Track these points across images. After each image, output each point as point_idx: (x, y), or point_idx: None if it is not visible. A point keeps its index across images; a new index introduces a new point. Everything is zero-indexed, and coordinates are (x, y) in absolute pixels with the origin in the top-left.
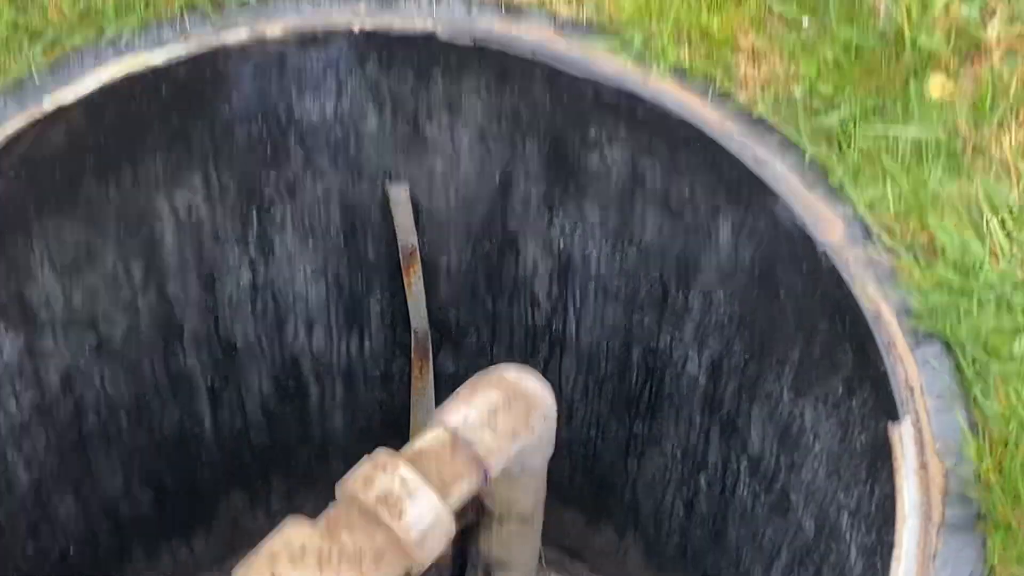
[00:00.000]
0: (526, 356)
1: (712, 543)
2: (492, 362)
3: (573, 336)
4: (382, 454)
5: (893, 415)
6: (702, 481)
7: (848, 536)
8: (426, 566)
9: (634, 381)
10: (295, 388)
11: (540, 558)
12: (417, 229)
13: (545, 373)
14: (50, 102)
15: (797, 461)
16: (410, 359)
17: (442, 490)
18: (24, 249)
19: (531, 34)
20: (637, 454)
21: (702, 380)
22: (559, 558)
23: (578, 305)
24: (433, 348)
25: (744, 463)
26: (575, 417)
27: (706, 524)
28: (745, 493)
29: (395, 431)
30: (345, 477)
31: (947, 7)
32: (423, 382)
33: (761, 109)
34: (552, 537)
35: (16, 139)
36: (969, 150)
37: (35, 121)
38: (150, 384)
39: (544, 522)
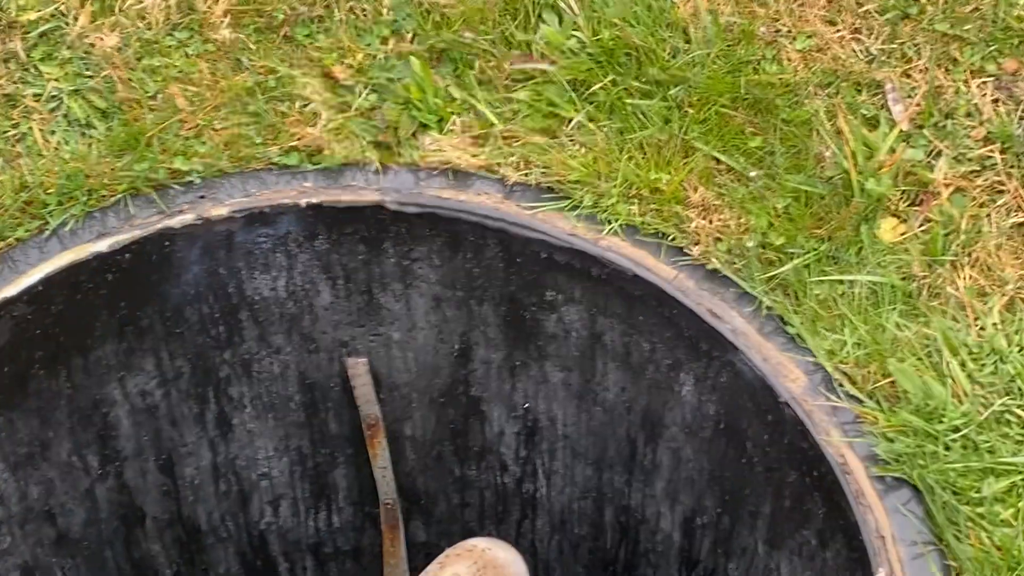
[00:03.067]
0: (498, 520)
1: None
2: (464, 528)
3: (545, 497)
4: None
5: (867, 566)
6: None
7: None
8: None
9: (609, 540)
10: (264, 567)
11: None
12: (379, 399)
13: (518, 536)
14: None
15: None
16: (381, 531)
17: None
18: None
19: (480, 199)
20: None
21: (676, 537)
22: None
23: (547, 466)
24: (403, 518)
25: None
26: None
27: None
28: None
29: None
30: None
31: (892, 150)
32: (395, 554)
33: (715, 262)
34: None
35: None
36: (925, 292)
37: None
38: (113, 574)
39: None
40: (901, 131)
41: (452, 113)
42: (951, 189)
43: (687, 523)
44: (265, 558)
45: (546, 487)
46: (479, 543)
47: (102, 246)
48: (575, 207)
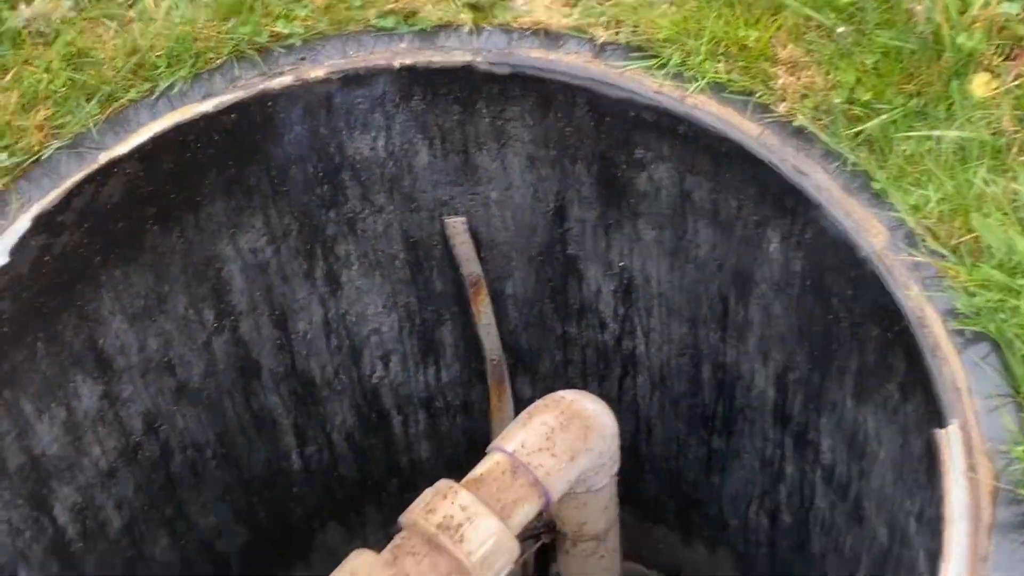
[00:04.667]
0: (600, 377)
1: (798, 554)
2: (568, 384)
3: (644, 355)
4: (443, 483)
5: (942, 418)
6: (782, 493)
7: (916, 542)
8: None
9: (707, 397)
10: (378, 420)
11: None
12: (479, 258)
13: (620, 392)
14: (105, 155)
15: (866, 468)
16: (488, 386)
17: (502, 514)
18: (93, 299)
19: (570, 59)
20: (719, 469)
21: (771, 393)
22: None
23: (644, 324)
24: (509, 374)
25: (818, 472)
26: (654, 434)
27: (791, 535)
28: (823, 503)
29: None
30: (408, 508)
31: (986, 5)
32: (502, 409)
33: (801, 119)
34: (647, 556)
35: (75, 192)
36: (1015, 147)
37: (92, 174)
38: (233, 423)
39: (636, 541)
40: None
41: None
42: None
43: (780, 379)
44: (379, 411)
45: (644, 344)
46: (567, 395)
47: (207, 107)
48: (663, 65)
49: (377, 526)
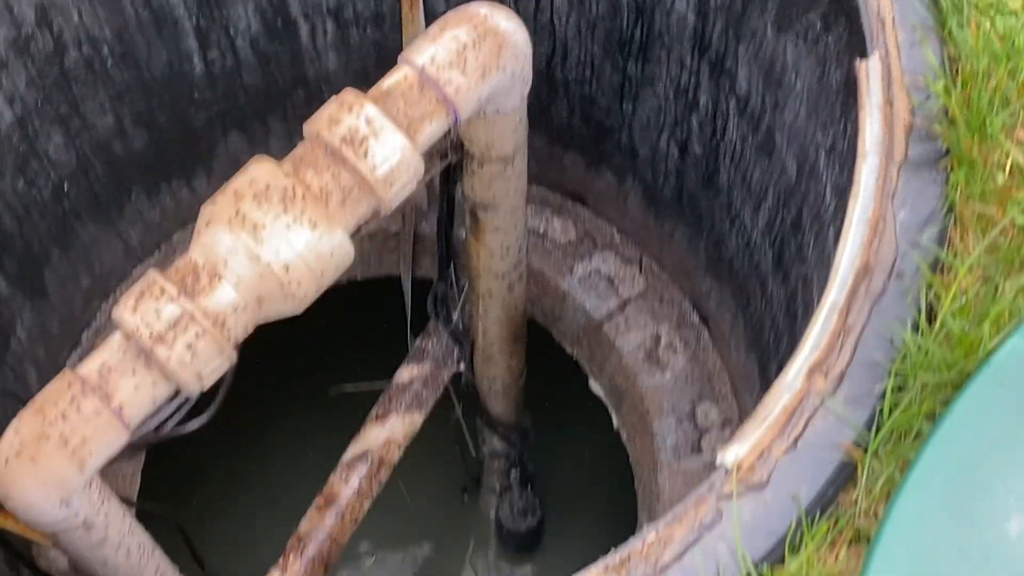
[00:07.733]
0: None
1: (705, 186)
2: None
3: None
4: (348, 94)
5: (864, 50)
6: (694, 123)
7: (824, 176)
8: (394, 206)
9: (626, 20)
10: (284, 27)
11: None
12: None
13: (537, 10)
14: None
15: (780, 100)
16: None
17: (409, 130)
18: None
19: None
20: (632, 96)
21: (691, 18)
22: (561, 202)
23: None
24: None
25: (732, 103)
26: (569, 58)
27: (699, 167)
28: (734, 135)
29: None
30: (311, 118)
31: None
32: (414, 21)
33: None
34: (553, 180)
35: None
36: None
37: None
38: (132, 21)
39: (545, 165)
40: None
41: None
42: None
43: (701, 4)
44: (285, 17)
45: None
46: (482, 9)
47: None
48: None
49: (281, 136)
